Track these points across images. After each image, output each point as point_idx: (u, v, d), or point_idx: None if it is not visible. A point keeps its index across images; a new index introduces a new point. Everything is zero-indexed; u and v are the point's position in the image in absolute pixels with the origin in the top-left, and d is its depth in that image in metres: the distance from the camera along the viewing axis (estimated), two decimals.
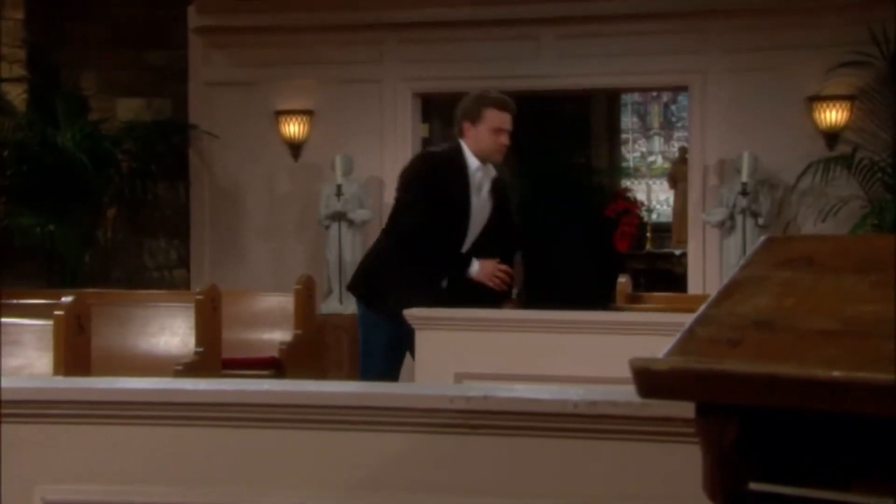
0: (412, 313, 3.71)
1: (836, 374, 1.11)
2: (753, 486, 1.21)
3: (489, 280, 4.02)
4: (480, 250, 4.12)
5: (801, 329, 1.22)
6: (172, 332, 5.54)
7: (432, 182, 4.11)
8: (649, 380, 1.22)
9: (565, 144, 11.25)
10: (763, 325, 1.25)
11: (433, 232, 4.07)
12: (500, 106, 4.16)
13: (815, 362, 1.15)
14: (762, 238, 1.45)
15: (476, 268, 4.06)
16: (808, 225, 7.57)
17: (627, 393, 1.53)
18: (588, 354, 3.42)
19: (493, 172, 4.28)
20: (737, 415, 1.20)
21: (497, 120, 4.14)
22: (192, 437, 1.87)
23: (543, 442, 1.75)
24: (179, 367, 5.06)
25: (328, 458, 1.83)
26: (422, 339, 3.56)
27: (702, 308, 1.32)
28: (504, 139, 4.16)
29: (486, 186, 4.20)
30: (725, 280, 1.39)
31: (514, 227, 4.53)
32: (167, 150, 8.37)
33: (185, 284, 8.39)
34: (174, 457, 1.88)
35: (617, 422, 1.68)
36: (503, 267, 4.07)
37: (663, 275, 11.11)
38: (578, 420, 1.70)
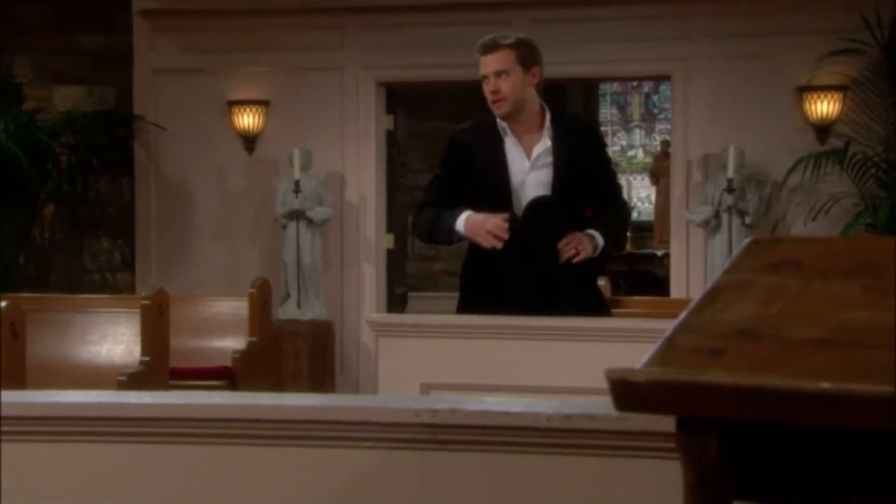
0: (373, 319, 3.71)
1: (824, 385, 1.12)
2: (737, 503, 1.22)
3: (481, 239, 3.63)
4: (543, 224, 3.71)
5: (788, 338, 1.23)
6: (116, 340, 5.52)
7: (449, 163, 3.88)
8: (627, 392, 1.23)
9: None
10: (747, 333, 1.26)
11: (426, 212, 3.88)
12: (477, 49, 3.80)
13: (801, 373, 1.16)
14: (747, 240, 1.47)
15: (461, 223, 3.69)
16: (798, 224, 7.65)
17: (605, 405, 1.54)
18: (564, 363, 3.44)
19: (565, 127, 3.82)
20: (720, 429, 1.21)
21: (480, 67, 3.80)
22: (138, 455, 1.87)
23: (515, 458, 1.76)
24: (123, 378, 5.03)
25: (285, 476, 1.83)
26: (385, 348, 3.56)
27: (683, 315, 1.33)
28: (488, 86, 3.75)
29: (546, 138, 3.76)
30: (709, 284, 1.40)
31: (597, 184, 3.89)
32: (110, 143, 8.31)
33: (130, 288, 8.33)
34: (117, 476, 1.87)
35: (593, 436, 1.70)
36: (495, 220, 3.63)
37: (644, 277, 11.18)
38: (552, 435, 1.71)
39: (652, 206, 12.61)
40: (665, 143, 11.56)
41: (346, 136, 8.17)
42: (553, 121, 3.82)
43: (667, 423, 1.28)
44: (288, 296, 7.91)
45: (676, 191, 8.05)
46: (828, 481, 1.18)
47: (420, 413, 1.73)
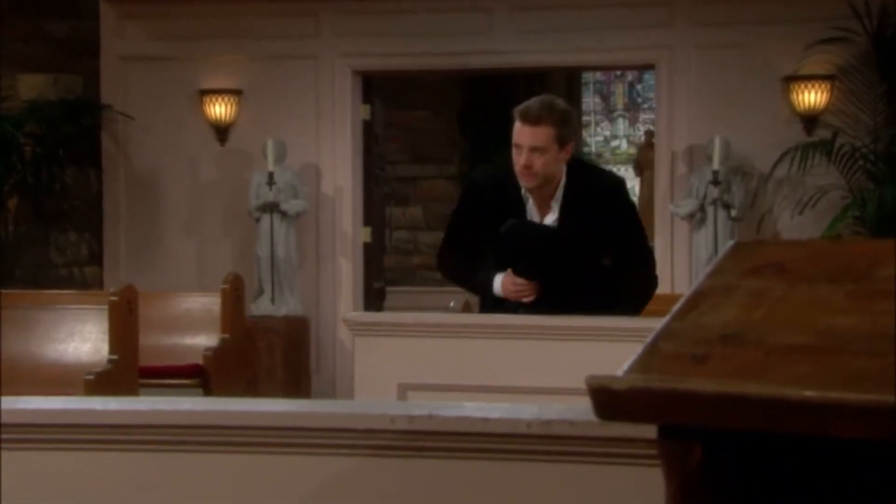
0: (350, 318, 3.71)
1: (808, 393, 1.13)
2: None
3: (509, 295, 3.76)
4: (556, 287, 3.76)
5: (772, 343, 1.24)
6: (83, 338, 5.49)
7: (465, 211, 3.93)
8: (608, 400, 1.23)
9: None
10: (730, 339, 1.27)
11: (454, 258, 3.95)
12: (517, 113, 3.77)
13: (785, 381, 1.16)
14: (730, 243, 1.47)
15: (497, 284, 3.78)
16: (785, 217, 7.69)
17: (585, 411, 1.55)
18: (545, 363, 3.45)
19: (583, 190, 3.81)
20: (702, 438, 1.22)
21: (514, 132, 3.77)
22: (104, 463, 1.86)
23: (494, 465, 1.76)
24: (91, 378, 5.02)
25: (257, 484, 1.83)
26: (362, 347, 3.56)
27: (665, 320, 1.34)
28: (521, 158, 3.71)
29: (555, 210, 3.80)
30: (691, 288, 1.41)
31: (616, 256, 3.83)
32: (76, 133, 8.27)
33: (98, 283, 8.30)
34: (83, 485, 1.86)
35: (574, 443, 1.70)
36: (517, 280, 3.74)
37: None
38: (532, 441, 1.72)
39: (636, 199, 12.64)
40: (649, 134, 11.60)
41: (322, 126, 8.15)
42: (568, 190, 3.82)
43: (649, 430, 1.28)
44: (262, 291, 7.89)
45: (661, 183, 8.07)
46: (814, 491, 1.19)
47: (396, 419, 1.73)
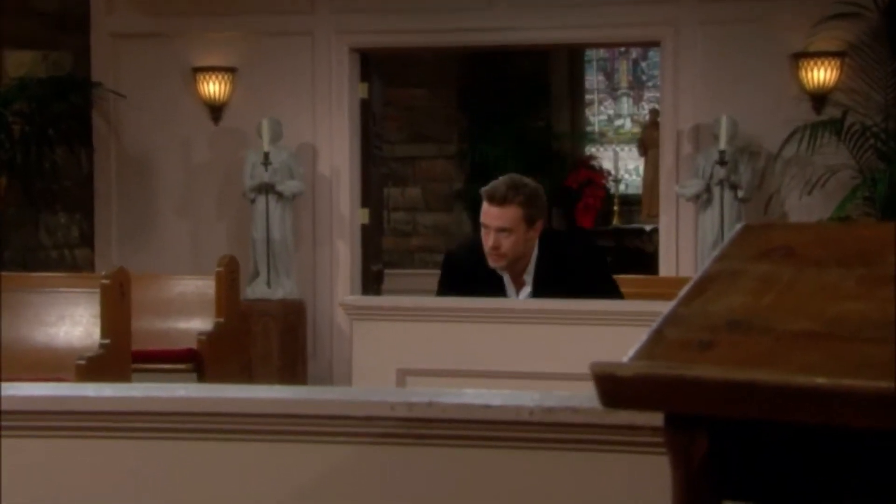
0: (347, 302, 3.70)
1: (819, 381, 1.13)
2: (726, 503, 1.23)
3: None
4: None
5: (780, 330, 1.24)
6: (74, 322, 5.50)
7: (446, 283, 3.96)
8: (613, 387, 1.24)
9: (522, 107, 11.28)
10: (738, 325, 1.27)
11: None
12: (484, 194, 3.85)
13: (795, 368, 1.17)
14: (738, 226, 1.47)
15: None
16: (793, 198, 7.68)
17: (589, 397, 1.55)
18: (547, 348, 3.45)
19: (555, 262, 3.87)
20: (709, 426, 1.22)
21: (482, 212, 3.83)
22: (97, 451, 1.86)
23: (495, 453, 1.76)
24: (82, 362, 5.02)
25: (254, 472, 1.84)
26: (360, 332, 3.56)
27: (671, 306, 1.34)
28: (489, 240, 3.77)
29: (528, 284, 3.86)
30: (698, 273, 1.41)
31: None
32: (66, 112, 8.24)
33: (89, 266, 8.29)
34: (75, 474, 1.87)
35: (578, 430, 1.70)
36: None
37: (632, 253, 11.22)
38: (534, 428, 1.72)
39: (640, 179, 12.63)
40: (654, 113, 11.57)
41: (318, 105, 8.13)
42: (539, 264, 3.86)
43: (654, 417, 1.28)
44: (257, 274, 7.89)
45: (666, 163, 8.06)
46: (821, 481, 1.19)
47: (396, 406, 1.73)
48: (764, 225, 1.45)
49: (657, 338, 1.29)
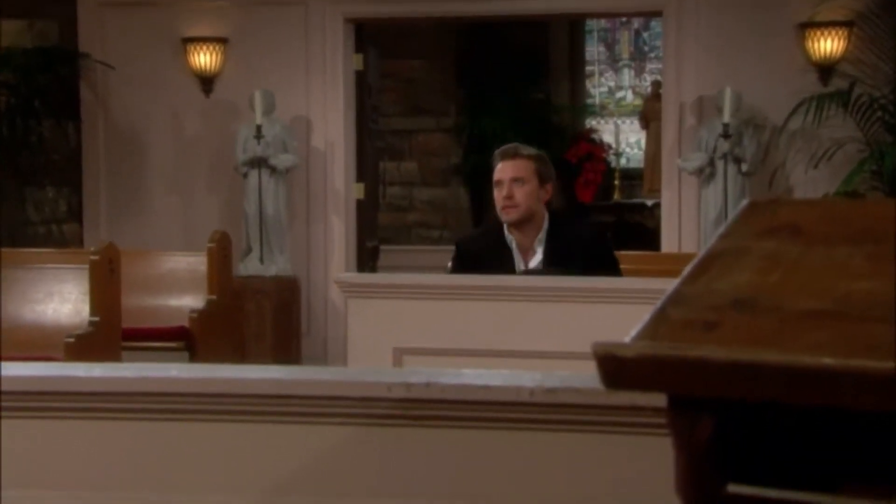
0: (342, 279, 3.70)
1: (826, 361, 1.13)
2: (732, 488, 1.23)
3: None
4: None
5: (787, 309, 1.24)
6: (62, 299, 5.50)
7: (456, 266, 4.11)
8: (615, 368, 1.24)
9: (520, 78, 11.25)
10: (744, 304, 1.27)
11: None
12: (495, 157, 4.14)
13: (802, 348, 1.16)
14: (744, 202, 1.47)
15: None
16: (799, 171, 7.68)
17: (590, 378, 1.55)
18: (547, 326, 3.46)
19: (566, 235, 4.08)
20: (714, 408, 1.22)
21: (495, 174, 4.11)
22: (86, 433, 1.87)
23: (495, 434, 1.77)
24: (71, 340, 5.03)
25: (247, 455, 1.84)
26: (355, 310, 3.56)
27: (674, 284, 1.34)
28: (503, 191, 4.02)
29: (538, 252, 4.04)
30: (702, 250, 1.40)
31: None
32: (53, 83, 8.22)
33: (78, 241, 8.29)
34: (64, 456, 1.87)
35: (579, 411, 1.71)
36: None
37: (633, 229, 11.22)
38: (535, 409, 1.72)
39: (641, 153, 12.62)
40: (656, 85, 11.54)
41: (312, 76, 8.11)
42: (550, 235, 4.07)
43: (657, 397, 1.28)
44: (249, 250, 7.89)
45: (668, 136, 8.06)
46: (831, 465, 1.19)
47: (393, 387, 1.73)
48: (770, 201, 1.44)
49: (660, 317, 1.29)
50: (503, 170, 4.05)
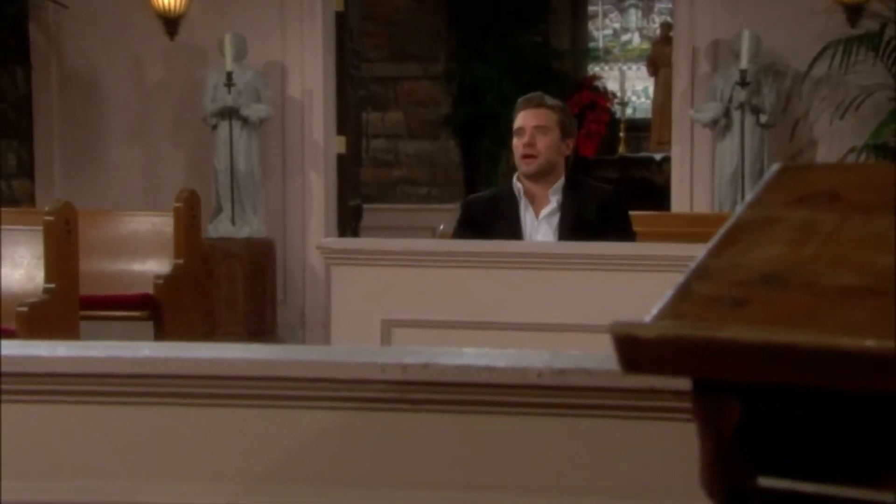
0: (324, 244, 3.70)
1: (866, 343, 1.13)
2: (762, 480, 1.24)
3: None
4: None
5: (822, 285, 1.24)
6: (14, 264, 5.49)
7: (463, 227, 4.23)
8: (634, 350, 1.24)
9: (517, 21, 11.22)
10: (774, 280, 1.27)
11: None
12: (519, 104, 4.32)
13: (839, 328, 1.17)
14: (773, 167, 1.47)
15: None
16: (823, 122, 7.68)
17: (605, 357, 1.55)
18: (550, 295, 3.46)
19: (578, 191, 4.26)
20: (742, 393, 1.23)
21: (516, 121, 4.28)
22: (49, 418, 1.87)
23: (500, 420, 1.77)
24: (24, 309, 5.02)
25: (226, 442, 1.84)
26: (338, 278, 3.56)
27: (699, 257, 1.34)
28: (524, 139, 4.21)
29: (553, 202, 4.21)
30: (730, 221, 1.41)
31: None
32: (0, 26, 8.16)
33: (29, 200, 8.27)
34: (25, 444, 1.87)
35: (592, 395, 1.71)
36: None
37: (640, 185, 11.24)
38: (544, 392, 1.73)
39: (649, 102, 12.60)
40: (666, 27, 11.53)
41: (288, 18, 8.07)
42: (567, 186, 4.24)
43: (679, 380, 1.29)
44: (220, 210, 7.88)
45: (679, 84, 8.05)
46: (869, 457, 1.20)
47: (387, 368, 1.74)
48: (803, 166, 1.45)
49: (683, 294, 1.30)
50: (526, 117, 4.21)
